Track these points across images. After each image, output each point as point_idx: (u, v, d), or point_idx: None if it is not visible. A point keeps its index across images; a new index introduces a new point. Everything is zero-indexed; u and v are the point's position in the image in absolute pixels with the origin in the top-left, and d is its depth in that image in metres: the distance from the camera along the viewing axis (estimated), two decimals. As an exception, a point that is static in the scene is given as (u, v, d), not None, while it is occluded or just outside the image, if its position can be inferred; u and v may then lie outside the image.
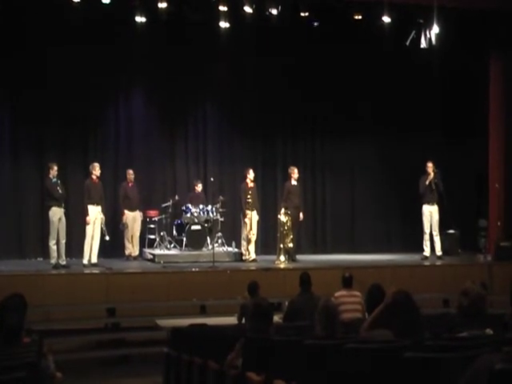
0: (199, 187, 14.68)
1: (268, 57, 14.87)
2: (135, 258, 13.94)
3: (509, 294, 5.15)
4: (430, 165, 13.72)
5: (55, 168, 12.49)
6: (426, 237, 13.90)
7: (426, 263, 13.65)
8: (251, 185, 13.81)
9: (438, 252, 13.90)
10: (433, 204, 13.79)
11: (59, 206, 12.41)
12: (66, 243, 12.52)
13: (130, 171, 14.15)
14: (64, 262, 12.40)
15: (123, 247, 13.98)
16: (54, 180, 12.44)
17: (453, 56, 14.66)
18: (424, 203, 13.82)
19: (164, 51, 14.73)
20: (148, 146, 15.25)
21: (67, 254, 12.73)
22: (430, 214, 13.80)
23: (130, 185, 14.10)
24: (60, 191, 12.42)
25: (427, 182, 13.68)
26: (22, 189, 14.31)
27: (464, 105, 15.61)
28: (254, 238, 13.75)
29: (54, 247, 12.35)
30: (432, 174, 13.68)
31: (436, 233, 13.85)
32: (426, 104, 15.72)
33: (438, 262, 13.67)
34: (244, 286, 9.03)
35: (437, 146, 15.41)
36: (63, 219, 12.47)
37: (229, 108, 15.66)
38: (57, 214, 12.36)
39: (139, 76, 15.09)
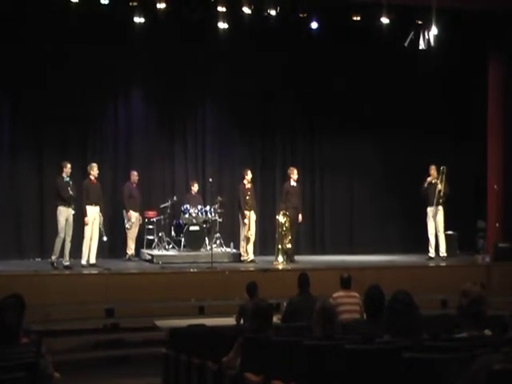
0: (195, 187, 14.66)
1: (267, 57, 14.86)
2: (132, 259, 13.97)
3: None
4: (432, 168, 13.82)
5: (68, 166, 12.27)
6: (431, 238, 13.95)
7: (431, 264, 13.67)
8: (248, 186, 13.81)
9: (442, 253, 13.94)
10: (434, 205, 13.82)
11: (66, 205, 12.20)
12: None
13: (135, 172, 14.15)
14: (68, 263, 12.31)
15: (125, 247, 13.98)
16: (67, 180, 12.21)
17: (451, 57, 14.67)
18: (427, 205, 13.90)
19: (163, 51, 14.72)
20: (147, 147, 15.24)
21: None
22: (433, 215, 13.83)
23: (134, 185, 14.11)
24: (70, 192, 12.15)
25: (426, 185, 13.78)
26: (21, 189, 14.27)
27: (462, 106, 15.63)
28: (252, 238, 13.75)
29: (59, 244, 12.23)
30: (432, 177, 13.74)
31: (441, 233, 13.91)
32: (424, 105, 15.70)
33: (443, 263, 13.69)
34: (242, 287, 9.02)
35: (435, 148, 15.39)
36: (70, 220, 12.28)
37: (228, 108, 15.65)
38: (63, 213, 12.18)
39: (138, 76, 15.09)
